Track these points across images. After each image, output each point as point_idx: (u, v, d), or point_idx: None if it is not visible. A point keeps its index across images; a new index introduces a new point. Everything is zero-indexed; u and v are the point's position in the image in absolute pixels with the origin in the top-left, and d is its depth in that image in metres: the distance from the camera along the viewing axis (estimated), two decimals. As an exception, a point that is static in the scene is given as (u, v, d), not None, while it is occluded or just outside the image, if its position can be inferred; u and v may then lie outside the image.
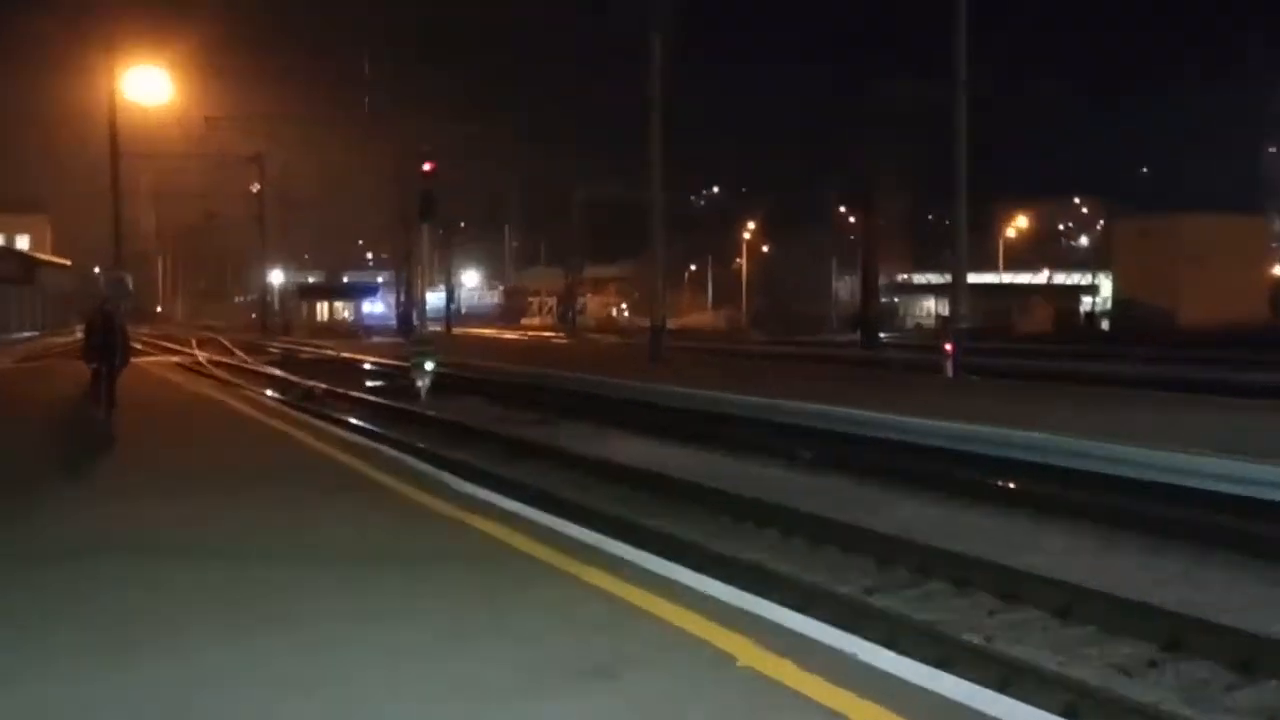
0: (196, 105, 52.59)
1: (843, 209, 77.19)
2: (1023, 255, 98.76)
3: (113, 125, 31.59)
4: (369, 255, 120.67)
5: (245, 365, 38.89)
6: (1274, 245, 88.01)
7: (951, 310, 30.10)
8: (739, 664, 5.34)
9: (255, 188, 71.21)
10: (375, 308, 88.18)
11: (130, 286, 30.19)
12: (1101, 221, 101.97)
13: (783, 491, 13.59)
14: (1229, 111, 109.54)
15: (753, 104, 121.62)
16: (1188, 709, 6.78)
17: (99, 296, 23.90)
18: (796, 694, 4.92)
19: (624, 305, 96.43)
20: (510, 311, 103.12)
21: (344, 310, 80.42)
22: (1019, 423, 14.64)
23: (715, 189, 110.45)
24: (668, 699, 4.92)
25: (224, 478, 11.62)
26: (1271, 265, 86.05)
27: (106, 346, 16.54)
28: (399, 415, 23.57)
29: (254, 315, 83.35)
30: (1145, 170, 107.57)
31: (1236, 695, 7.04)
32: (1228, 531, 10.79)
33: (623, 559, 7.59)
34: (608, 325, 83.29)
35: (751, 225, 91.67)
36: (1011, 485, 13.44)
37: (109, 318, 16.97)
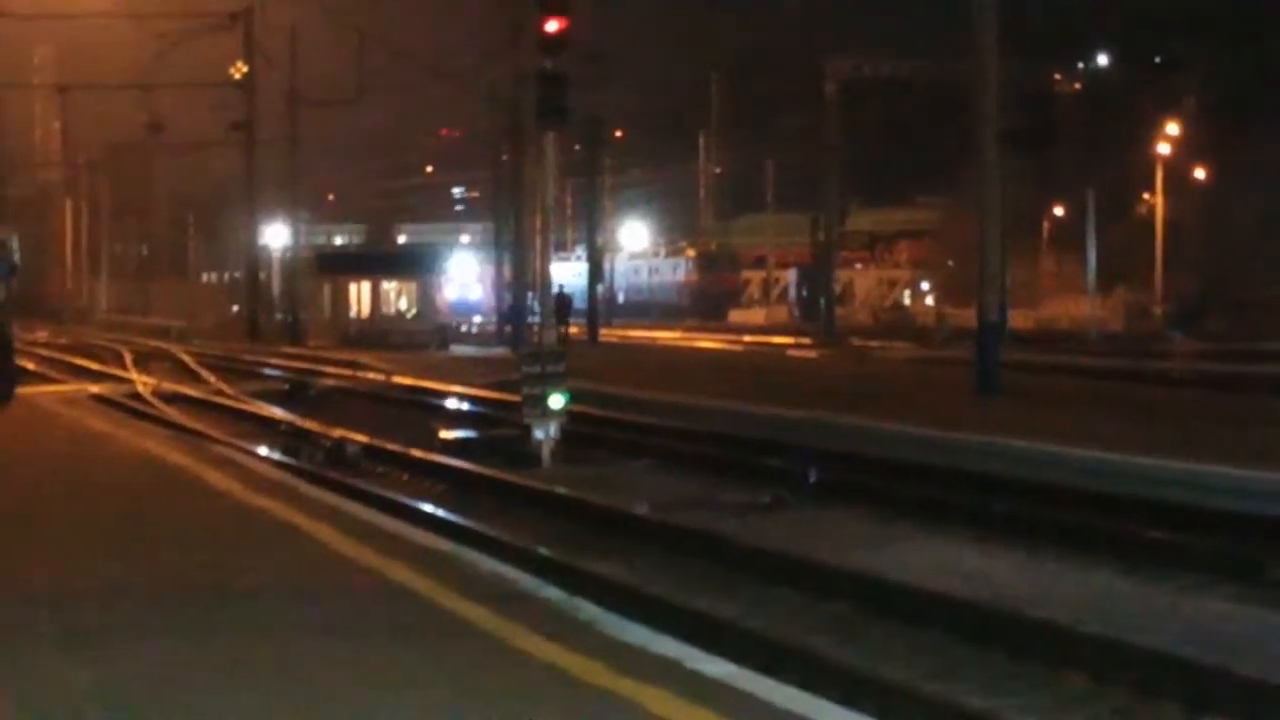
0: None
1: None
2: None
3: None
4: (457, 194, 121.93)
5: (221, 400, 39.69)
6: None
7: None
8: None
9: (237, 74, 72.92)
10: (468, 292, 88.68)
11: (15, 255, 30.96)
12: None
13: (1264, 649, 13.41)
14: None
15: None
16: None
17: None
18: None
19: (925, 284, 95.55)
20: (709, 296, 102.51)
21: (397, 296, 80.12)
22: None
23: (1102, 59, 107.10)
24: None
25: (179, 612, 11.66)
26: None
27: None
28: (502, 494, 23.69)
29: (235, 307, 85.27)
30: None
31: None
32: None
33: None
34: (895, 321, 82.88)
35: (1174, 129, 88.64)
36: None
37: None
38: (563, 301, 68.74)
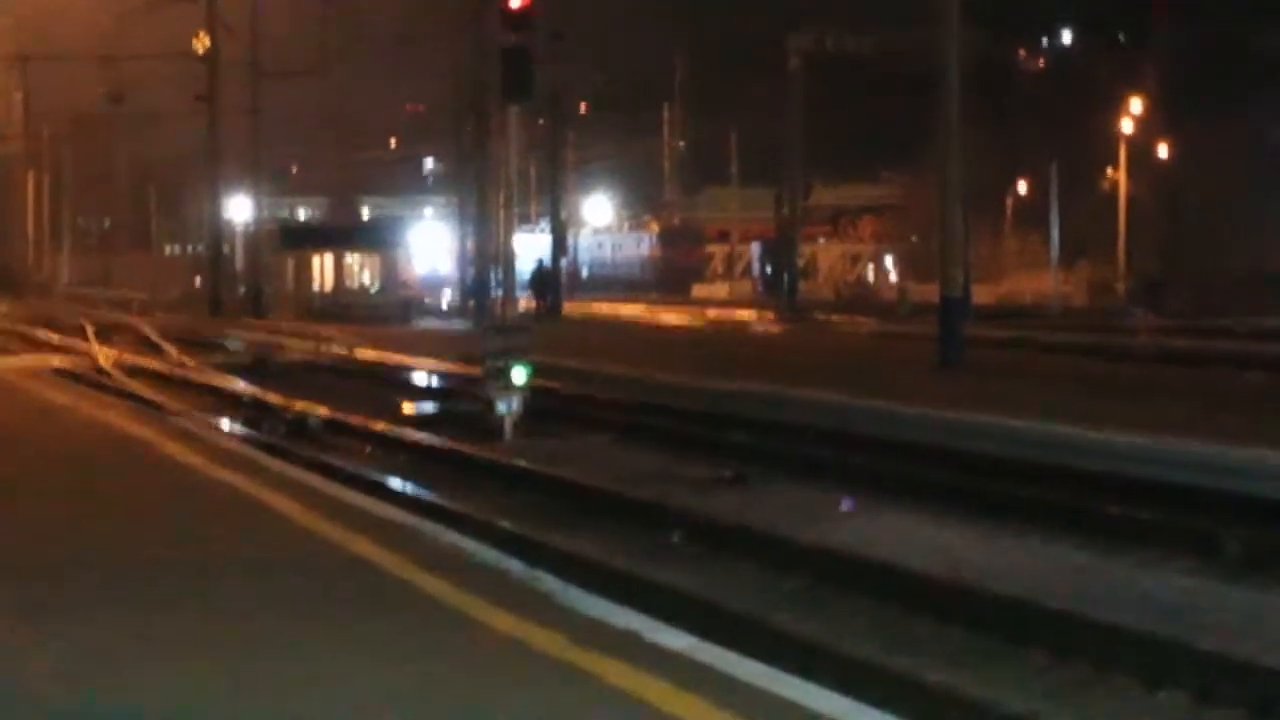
0: None
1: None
2: None
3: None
4: (429, 166, 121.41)
5: (183, 374, 39.58)
6: None
7: None
8: None
9: (200, 46, 72.57)
10: (435, 265, 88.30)
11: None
12: None
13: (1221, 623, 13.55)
14: None
15: None
16: None
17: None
18: None
19: (888, 259, 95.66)
20: (672, 270, 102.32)
21: (361, 269, 79.98)
22: None
23: (1065, 36, 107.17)
24: None
25: (140, 585, 11.63)
26: None
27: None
28: (465, 468, 23.74)
29: (198, 279, 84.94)
30: None
31: None
32: None
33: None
34: (858, 296, 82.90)
35: (1138, 105, 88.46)
36: None
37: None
38: (543, 276, 68.94)
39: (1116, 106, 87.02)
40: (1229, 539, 16.78)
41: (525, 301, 54.72)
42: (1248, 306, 62.03)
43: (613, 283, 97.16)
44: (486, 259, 55.88)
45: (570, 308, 69.95)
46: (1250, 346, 43.25)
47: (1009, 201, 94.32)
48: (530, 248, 70.63)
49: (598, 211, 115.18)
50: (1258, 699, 11.29)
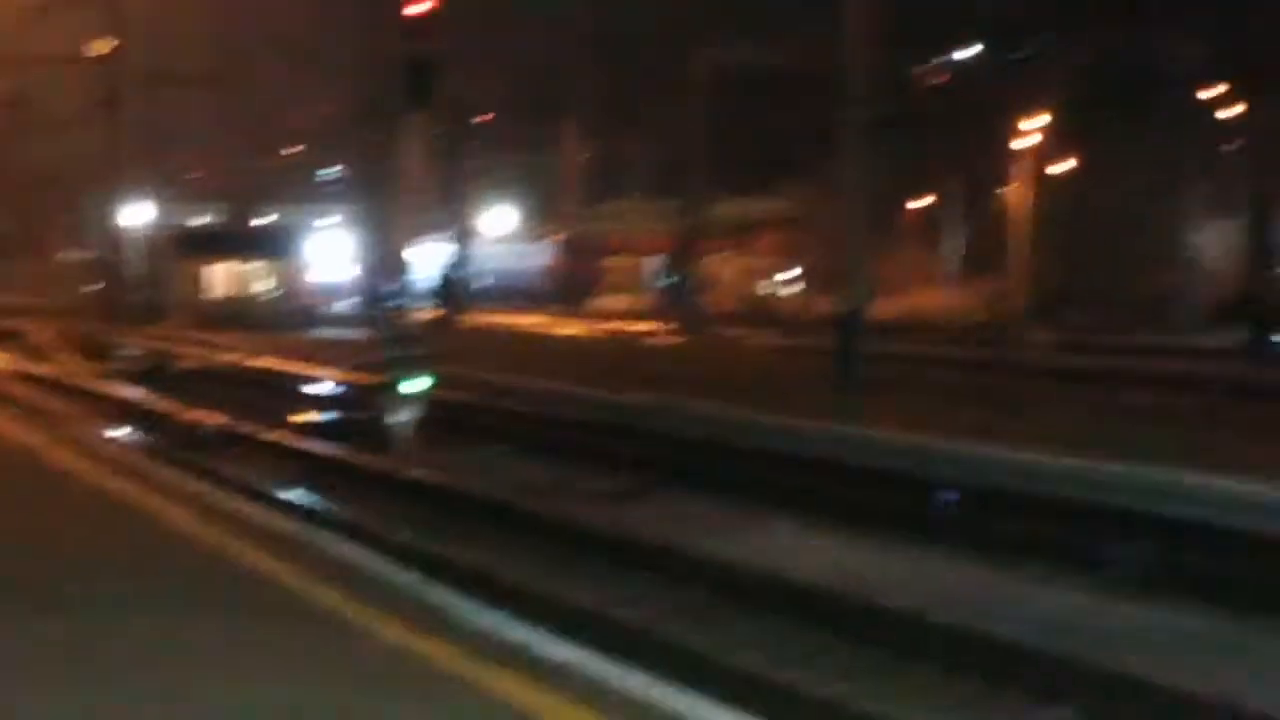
0: None
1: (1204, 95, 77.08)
2: None
3: None
4: (329, 173, 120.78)
5: (76, 382, 39.34)
6: None
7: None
8: None
9: (101, 49, 72.07)
10: (335, 273, 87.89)
11: None
12: None
13: (1108, 641, 13.72)
14: None
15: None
16: None
17: None
18: None
19: (790, 274, 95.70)
20: (574, 280, 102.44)
21: (258, 276, 79.71)
22: None
23: (964, 51, 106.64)
24: None
25: (13, 594, 11.50)
26: None
27: None
28: (356, 478, 23.76)
29: (97, 287, 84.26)
30: None
31: None
32: None
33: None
34: (757, 309, 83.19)
35: (1038, 123, 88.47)
36: None
37: None
38: (450, 285, 68.96)
39: (1018, 123, 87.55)
40: (1118, 555, 17.09)
41: (431, 311, 54.77)
42: (1143, 323, 62.95)
43: (515, 293, 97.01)
44: (386, 268, 55.78)
45: (472, 318, 69.98)
46: (1139, 364, 43.84)
47: (910, 216, 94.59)
48: (432, 257, 70.49)
49: (500, 222, 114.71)
50: (1149, 714, 11.47)
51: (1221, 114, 75.18)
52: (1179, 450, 20.23)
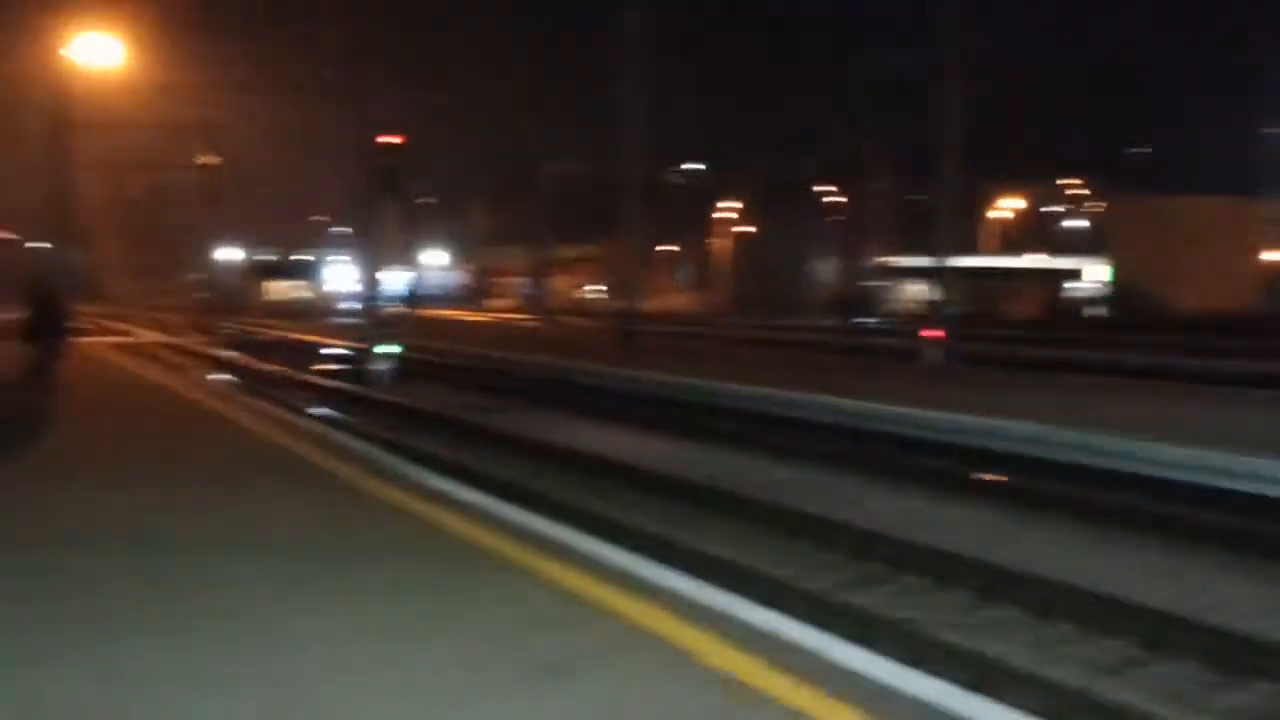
0: (146, 70, 51.55)
1: (827, 188, 78.58)
2: (1013, 237, 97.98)
3: (58, 94, 31.37)
4: (342, 230, 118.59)
5: (195, 348, 38.67)
6: (1267, 227, 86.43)
7: (941, 294, 30.02)
8: (701, 661, 5.32)
9: (206, 160, 70.25)
10: (349, 287, 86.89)
11: (74, 263, 30.00)
12: (1086, 205, 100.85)
13: (755, 483, 13.72)
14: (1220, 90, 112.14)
15: (733, 75, 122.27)
16: (1174, 711, 6.86)
17: (40, 273, 23.82)
18: (761, 692, 4.90)
19: (598, 287, 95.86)
20: (478, 291, 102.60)
21: (295, 289, 79.96)
22: (1014, 413, 15.05)
23: (692, 165, 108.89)
24: (622, 699, 4.90)
25: (170, 470, 11.50)
26: (1262, 249, 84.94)
27: (46, 325, 16.48)
28: (355, 401, 23.62)
29: (206, 294, 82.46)
30: (1139, 151, 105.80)
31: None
32: (1218, 529, 10.98)
33: (581, 552, 7.57)
34: (577, 308, 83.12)
35: (733, 205, 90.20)
36: (1002, 478, 13.60)
37: (49, 296, 16.91)
38: (410, 293, 68.66)
39: (719, 203, 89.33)
40: (768, 435, 17.37)
41: (398, 308, 54.39)
42: (792, 313, 63.86)
43: (445, 298, 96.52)
44: (371, 283, 55.22)
45: (422, 312, 69.11)
46: (791, 335, 44.48)
47: (663, 255, 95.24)
48: (399, 278, 69.89)
49: (437, 258, 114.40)
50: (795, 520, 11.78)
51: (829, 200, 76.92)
52: (813, 380, 20.33)
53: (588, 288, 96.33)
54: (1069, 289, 79.51)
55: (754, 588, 8.04)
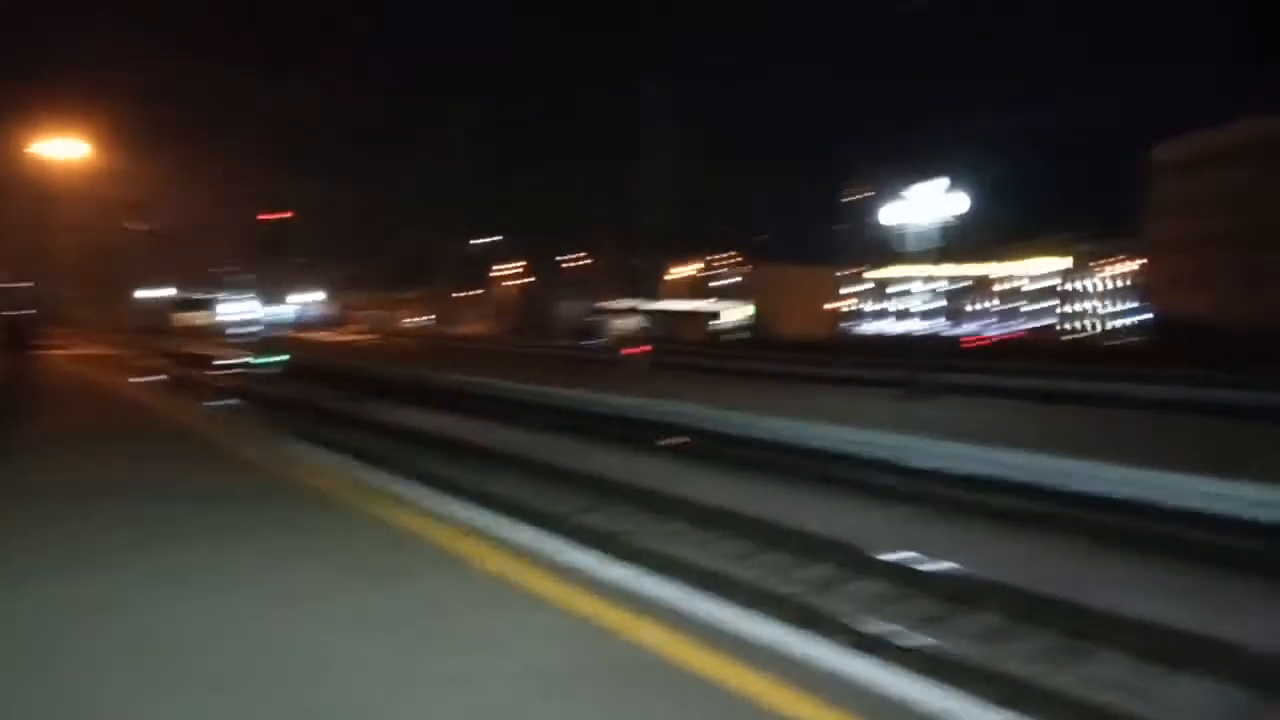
0: (103, 158, 46.48)
1: (577, 254, 79.27)
2: (682, 289, 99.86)
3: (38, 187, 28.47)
4: (236, 276, 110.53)
5: (124, 359, 35.45)
6: (834, 285, 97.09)
7: (643, 325, 30.70)
8: (483, 566, 5.39)
9: (135, 226, 64.63)
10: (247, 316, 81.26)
11: (46, 296, 27.19)
12: (735, 266, 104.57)
13: (521, 446, 13.52)
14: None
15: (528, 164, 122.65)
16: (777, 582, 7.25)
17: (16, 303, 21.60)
18: (521, 586, 5.00)
19: (425, 317, 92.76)
20: (340, 320, 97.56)
21: (197, 318, 73.71)
22: (685, 400, 15.35)
23: (490, 239, 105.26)
24: (429, 590, 4.92)
25: (120, 442, 10.59)
26: (831, 300, 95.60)
27: (19, 341, 15.09)
28: (250, 396, 22.20)
29: (136, 321, 75.72)
30: (760, 237, 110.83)
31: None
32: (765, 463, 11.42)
33: (403, 495, 7.37)
34: (405, 331, 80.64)
35: (517, 264, 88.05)
36: (680, 440, 13.67)
37: (22, 321, 15.44)
38: (297, 319, 64.84)
39: (507, 263, 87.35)
40: (542, 419, 16.77)
41: (285, 330, 51.51)
42: (551, 337, 62.76)
43: (318, 324, 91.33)
44: (268, 312, 52.19)
45: (301, 334, 65.63)
46: (549, 351, 43.76)
47: (465, 297, 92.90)
48: (284, 310, 66.05)
49: (314, 297, 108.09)
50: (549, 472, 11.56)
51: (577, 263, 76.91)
52: (561, 378, 20.10)
53: (414, 319, 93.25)
54: (714, 323, 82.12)
55: (522, 515, 8.06)
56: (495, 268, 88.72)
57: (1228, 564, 7.24)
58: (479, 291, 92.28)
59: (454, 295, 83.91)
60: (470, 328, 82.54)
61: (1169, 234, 64.50)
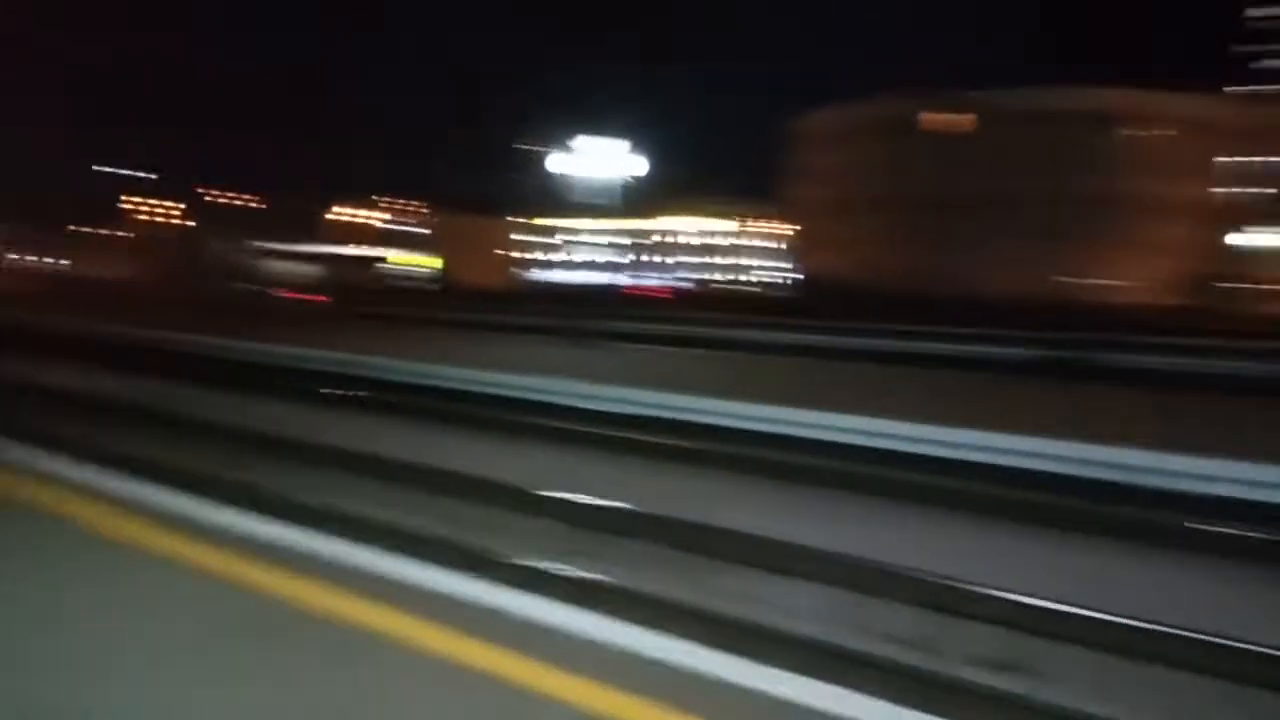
0: None
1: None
2: (350, 233, 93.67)
3: None
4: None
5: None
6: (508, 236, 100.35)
7: (316, 270, 28.70)
8: (103, 529, 4.81)
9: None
10: None
11: None
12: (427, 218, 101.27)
13: (167, 400, 12.32)
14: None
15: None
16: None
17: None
18: (138, 544, 4.58)
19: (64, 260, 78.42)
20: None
21: None
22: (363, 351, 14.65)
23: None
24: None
25: None
26: (504, 249, 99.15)
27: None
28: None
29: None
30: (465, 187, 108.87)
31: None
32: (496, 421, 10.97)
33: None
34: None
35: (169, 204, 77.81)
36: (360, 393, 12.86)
37: None
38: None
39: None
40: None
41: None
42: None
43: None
44: None
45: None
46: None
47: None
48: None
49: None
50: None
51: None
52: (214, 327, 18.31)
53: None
54: (379, 268, 78.19)
55: (157, 475, 7.07)
56: (136, 203, 78.24)
57: (850, 486, 8.04)
58: (117, 232, 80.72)
59: (71, 229, 73.06)
60: (109, 270, 72.31)
61: (809, 199, 72.11)
